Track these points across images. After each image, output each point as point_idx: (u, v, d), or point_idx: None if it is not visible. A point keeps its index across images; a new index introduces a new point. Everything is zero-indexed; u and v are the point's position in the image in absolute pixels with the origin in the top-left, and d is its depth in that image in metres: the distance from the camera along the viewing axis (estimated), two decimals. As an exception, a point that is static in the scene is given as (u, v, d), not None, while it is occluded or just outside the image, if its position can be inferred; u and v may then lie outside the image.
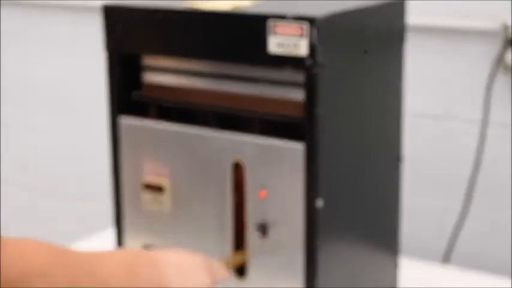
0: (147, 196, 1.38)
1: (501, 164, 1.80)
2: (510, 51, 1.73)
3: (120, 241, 1.44)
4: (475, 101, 1.79)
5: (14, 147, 2.53)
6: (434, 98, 1.84)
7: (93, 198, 2.41)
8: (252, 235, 1.31)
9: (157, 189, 1.37)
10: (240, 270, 1.34)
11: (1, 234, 1.01)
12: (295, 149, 1.24)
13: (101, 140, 1.95)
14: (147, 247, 1.38)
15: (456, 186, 1.84)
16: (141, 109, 1.40)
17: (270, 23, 1.22)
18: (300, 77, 1.23)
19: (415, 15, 1.68)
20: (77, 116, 2.39)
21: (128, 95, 1.40)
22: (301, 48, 1.20)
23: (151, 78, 1.39)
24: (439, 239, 1.87)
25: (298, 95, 1.25)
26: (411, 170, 1.86)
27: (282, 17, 1.21)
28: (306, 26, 1.19)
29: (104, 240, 1.77)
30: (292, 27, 1.20)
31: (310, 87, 1.22)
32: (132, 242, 1.43)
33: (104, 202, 1.85)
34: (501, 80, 1.76)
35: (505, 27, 1.73)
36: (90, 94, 2.27)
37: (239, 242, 1.33)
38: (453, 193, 1.85)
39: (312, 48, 1.20)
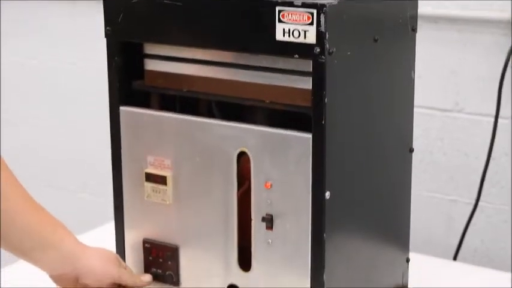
0: (149, 187, 1.35)
1: (512, 157, 1.76)
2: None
3: (120, 234, 1.41)
4: (486, 93, 1.75)
5: (13, 139, 2.50)
6: (444, 90, 1.80)
7: (94, 192, 2.38)
8: (257, 227, 1.27)
9: (159, 180, 1.33)
10: (245, 263, 1.30)
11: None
12: (303, 139, 1.21)
13: (102, 132, 1.92)
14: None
15: (466, 180, 1.81)
16: (142, 99, 1.38)
17: (278, 10, 1.18)
18: (308, 65, 1.20)
19: (426, 4, 1.64)
20: (77, 108, 2.36)
21: (129, 84, 1.37)
22: (310, 36, 1.17)
23: (153, 66, 1.36)
24: (449, 233, 1.84)
25: (306, 84, 1.21)
26: (420, 163, 1.83)
27: (290, 4, 1.18)
28: (314, 13, 1.16)
29: (103, 234, 1.74)
30: (300, 15, 1.17)
31: (319, 75, 1.18)
32: (133, 234, 1.39)
33: (105, 196, 1.82)
34: (513, 71, 1.72)
35: (517, 18, 1.69)
36: (91, 85, 2.24)
37: (244, 235, 1.29)
38: (463, 187, 1.81)
39: (321, 36, 1.16)
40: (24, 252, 1.25)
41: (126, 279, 1.32)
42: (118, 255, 1.36)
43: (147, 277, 1.37)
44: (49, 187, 2.46)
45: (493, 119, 1.74)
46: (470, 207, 1.79)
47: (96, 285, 1.29)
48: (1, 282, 1.57)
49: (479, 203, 1.78)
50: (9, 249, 1.23)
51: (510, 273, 1.66)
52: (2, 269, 1.63)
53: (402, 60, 1.38)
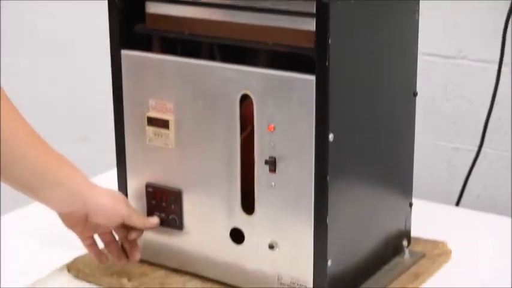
0: (151, 131, 1.34)
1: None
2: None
3: (122, 178, 1.40)
4: (490, 39, 1.73)
5: (14, 90, 2.49)
6: (448, 37, 1.79)
7: (96, 141, 2.37)
8: (260, 170, 1.27)
9: (161, 124, 1.33)
10: (248, 206, 1.30)
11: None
12: (306, 80, 1.20)
13: (103, 80, 1.90)
14: None
15: (468, 126, 1.80)
16: (144, 43, 1.36)
17: (280, -51, 1.17)
18: (311, 6, 1.18)
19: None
20: (77, 56, 2.35)
21: (130, 28, 1.36)
22: (313, -24, 1.15)
23: (154, 9, 1.34)
24: (451, 180, 1.84)
25: (309, 25, 1.20)
26: (423, 110, 1.82)
27: None
28: (317, -48, 1.14)
29: (106, 180, 1.74)
30: (304, -46, 1.15)
31: (322, 16, 1.17)
32: (136, 179, 1.39)
33: (108, 143, 1.81)
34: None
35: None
36: (92, 33, 2.22)
37: (247, 178, 1.29)
38: (466, 133, 1.81)
39: (324, -25, 1.15)
40: (28, 188, 1.22)
41: (135, 220, 1.32)
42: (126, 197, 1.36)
43: (155, 219, 1.36)
44: (51, 137, 2.45)
45: (496, 66, 1.73)
46: (473, 154, 1.78)
47: (105, 224, 1.29)
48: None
49: (482, 149, 1.77)
50: (12, 185, 1.21)
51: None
52: (2, 217, 1.64)
53: (407, 2, 1.36)
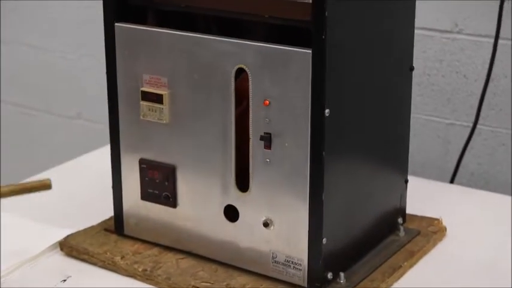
0: (145, 106, 1.32)
1: (511, 79, 1.73)
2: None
3: (116, 154, 1.39)
4: (486, 13, 1.72)
5: (9, 65, 2.47)
6: (443, 11, 1.77)
7: (89, 117, 2.35)
8: (255, 146, 1.25)
9: (155, 98, 1.31)
10: (243, 184, 1.28)
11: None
12: (302, 54, 1.18)
13: (97, 56, 1.89)
14: None
15: (464, 103, 1.79)
16: (138, 15, 1.34)
17: None
18: (307, -23, 1.16)
19: None
20: (70, 30, 2.32)
21: (125, 0, 1.33)
22: None
23: (148, -19, 1.32)
24: (446, 156, 1.83)
25: (305, -3, 1.18)
26: (418, 85, 1.80)
27: None
28: None
29: (100, 155, 1.73)
30: None
31: (319, -11, 1.15)
32: (129, 155, 1.37)
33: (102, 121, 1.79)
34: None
35: None
36: (86, 5, 2.20)
37: (242, 154, 1.27)
38: (461, 109, 1.79)
39: None
40: None
41: None
42: None
43: None
44: (45, 112, 2.43)
45: (492, 40, 1.71)
46: (468, 130, 1.77)
47: None
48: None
49: (477, 126, 1.76)
50: None
51: (508, 196, 1.65)
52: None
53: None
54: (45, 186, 1.54)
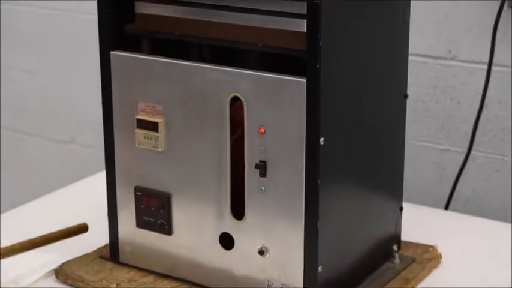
0: (140, 134, 1.32)
1: (504, 105, 1.74)
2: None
3: (111, 182, 1.39)
4: (480, 40, 1.73)
5: (2, 89, 2.47)
6: (437, 37, 1.78)
7: (84, 143, 2.35)
8: (251, 174, 1.25)
9: (151, 126, 1.31)
10: (238, 212, 1.28)
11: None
12: (297, 83, 1.19)
13: (92, 81, 1.88)
14: None
15: (458, 129, 1.79)
16: (133, 43, 1.35)
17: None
18: (302, 7, 1.17)
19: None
20: (66, 57, 2.32)
21: (120, 28, 1.34)
22: (304, -22, 1.14)
23: (144, 9, 1.32)
24: (440, 182, 1.83)
25: (300, 26, 1.19)
26: (413, 111, 1.81)
27: None
28: (308, -48, 1.13)
29: (95, 182, 1.73)
30: (294, -45, 1.14)
31: (313, 17, 1.16)
32: (125, 182, 1.37)
33: (96, 147, 1.80)
34: (507, 17, 1.69)
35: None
36: (82, 33, 2.20)
37: (237, 181, 1.28)
38: (455, 135, 1.80)
39: (315, -24, 1.13)
40: None
41: None
42: None
43: None
44: (39, 137, 2.43)
45: (486, 67, 1.72)
46: (462, 156, 1.77)
47: None
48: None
49: (471, 152, 1.77)
50: None
51: (504, 223, 1.65)
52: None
53: (398, 3, 1.35)
54: (82, 229, 1.49)
